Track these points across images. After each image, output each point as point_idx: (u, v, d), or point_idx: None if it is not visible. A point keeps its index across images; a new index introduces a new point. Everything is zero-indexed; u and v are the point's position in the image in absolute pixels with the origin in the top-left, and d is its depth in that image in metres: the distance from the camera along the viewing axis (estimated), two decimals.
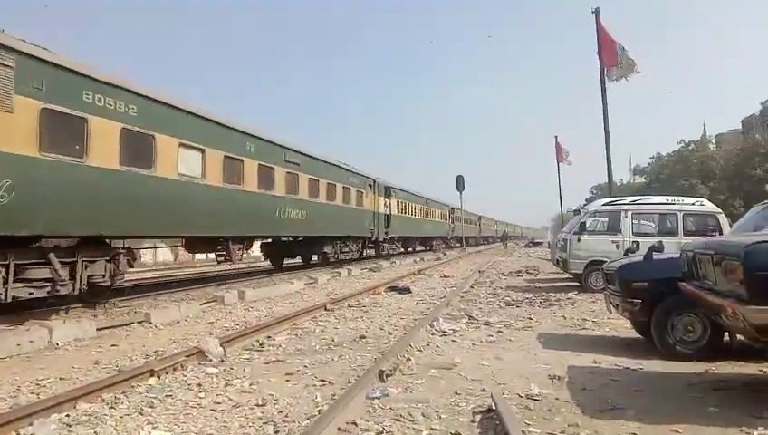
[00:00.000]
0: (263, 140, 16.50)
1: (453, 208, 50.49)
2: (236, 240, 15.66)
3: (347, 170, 24.46)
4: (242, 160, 15.14)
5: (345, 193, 23.67)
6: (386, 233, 29.84)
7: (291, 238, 21.48)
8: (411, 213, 36.74)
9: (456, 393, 4.92)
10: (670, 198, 13.89)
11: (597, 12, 18.65)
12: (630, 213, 13.11)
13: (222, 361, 6.32)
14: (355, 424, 4.09)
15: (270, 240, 21.74)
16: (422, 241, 44.25)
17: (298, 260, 24.35)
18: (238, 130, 15.18)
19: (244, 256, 17.66)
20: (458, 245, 51.73)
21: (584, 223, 13.72)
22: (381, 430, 3.98)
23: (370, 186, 27.76)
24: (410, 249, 41.17)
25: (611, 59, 18.27)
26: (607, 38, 18.37)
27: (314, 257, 23.59)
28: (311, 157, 20.19)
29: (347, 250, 25.18)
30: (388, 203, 30.49)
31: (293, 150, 18.58)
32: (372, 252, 30.56)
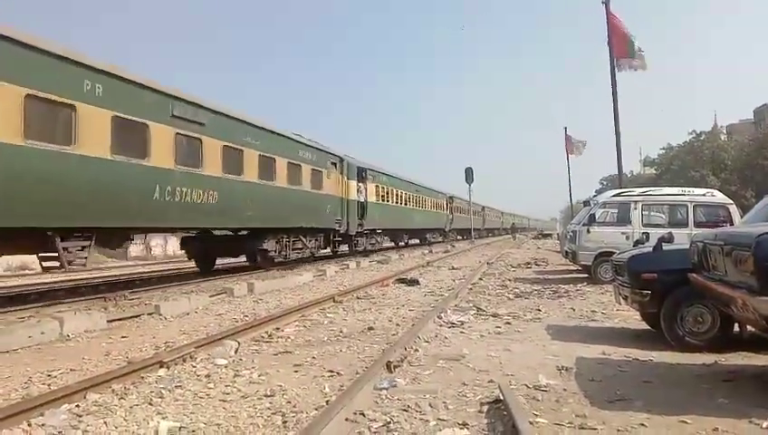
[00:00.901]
0: (120, 79, 10.92)
1: (451, 197, 47.94)
2: (73, 235, 10.43)
3: (295, 141, 18.92)
4: (73, 107, 9.81)
5: (293, 171, 18.27)
6: (360, 225, 24.70)
7: (227, 232, 17.06)
8: (396, 201, 31.67)
9: (464, 384, 4.91)
10: (680, 189, 13.82)
11: (607, 2, 18.51)
12: (640, 204, 13.03)
13: (236, 352, 6.36)
14: (363, 414, 4.10)
15: (192, 234, 17.40)
16: (413, 234, 39.65)
17: (241, 260, 19.61)
18: (61, 57, 9.62)
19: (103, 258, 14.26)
20: (460, 237, 51.20)
21: (594, 214, 13.66)
22: (389, 420, 3.98)
23: (335, 164, 22.30)
24: (401, 243, 37.42)
25: (622, 49, 18.15)
26: (617, 28, 18.24)
27: (259, 257, 17.99)
28: (226, 116, 14.74)
29: (300, 247, 19.78)
30: (362, 188, 25.31)
31: (190, 103, 13.18)
32: (346, 249, 25.71)
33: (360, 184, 25.19)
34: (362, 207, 24.98)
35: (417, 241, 41.78)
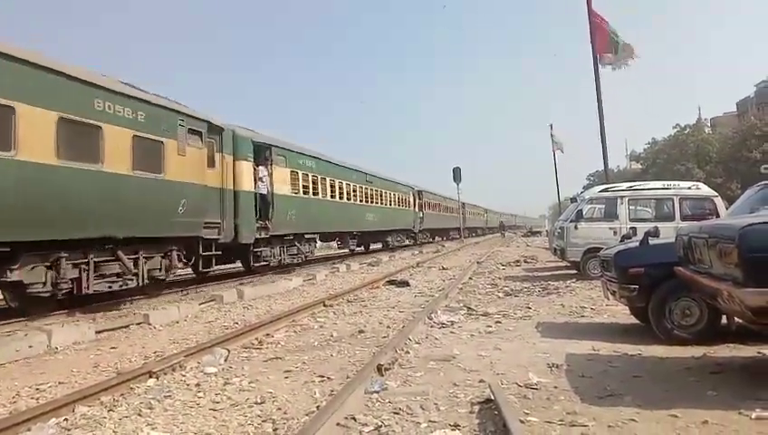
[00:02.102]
0: None
1: (420, 192, 40.78)
2: None
3: (81, 82, 10.02)
4: None
5: (80, 137, 9.93)
6: (262, 229, 16.74)
7: None
8: (330, 194, 23.26)
9: (455, 385, 4.92)
10: (666, 183, 13.92)
11: None
12: (627, 199, 13.12)
13: (225, 359, 6.32)
14: (354, 419, 4.09)
15: None
16: (366, 238, 30.55)
17: None
18: None
19: None
20: (431, 240, 46.23)
21: (581, 210, 13.72)
22: (380, 423, 3.97)
23: (193, 131, 13.09)
24: (351, 249, 29.43)
25: (604, 44, 18.24)
26: (599, 23, 18.33)
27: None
28: None
29: (114, 272, 11.03)
30: (265, 175, 17.27)
31: None
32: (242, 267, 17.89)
33: (262, 168, 17.57)
34: (265, 202, 17.45)
35: (380, 245, 34.40)
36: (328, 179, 23.35)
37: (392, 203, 33.78)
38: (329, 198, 23.40)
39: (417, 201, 40.08)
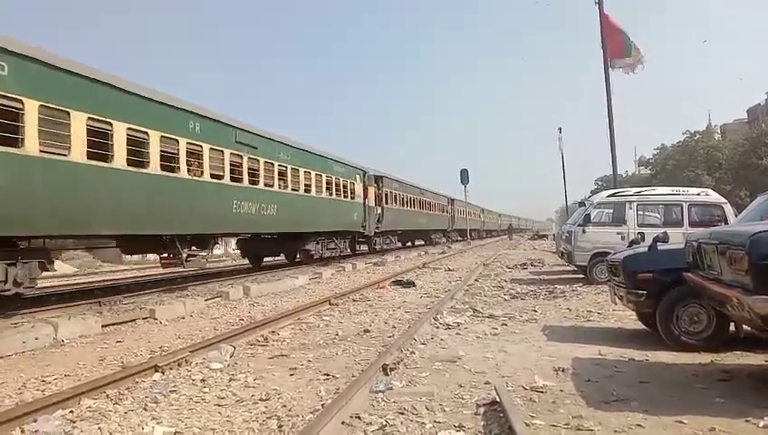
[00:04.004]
0: None
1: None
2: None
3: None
4: None
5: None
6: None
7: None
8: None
9: (460, 386, 4.90)
10: (675, 189, 13.81)
11: (600, 2, 18.54)
12: (635, 204, 13.04)
13: (231, 356, 6.33)
14: (359, 418, 4.08)
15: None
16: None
17: None
18: None
19: None
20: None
21: (589, 215, 13.65)
22: (385, 423, 3.97)
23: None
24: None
25: (615, 49, 18.18)
26: (611, 27, 18.27)
27: None
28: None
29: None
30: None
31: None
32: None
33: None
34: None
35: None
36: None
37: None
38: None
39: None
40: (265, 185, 16.96)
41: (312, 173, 20.71)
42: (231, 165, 15.03)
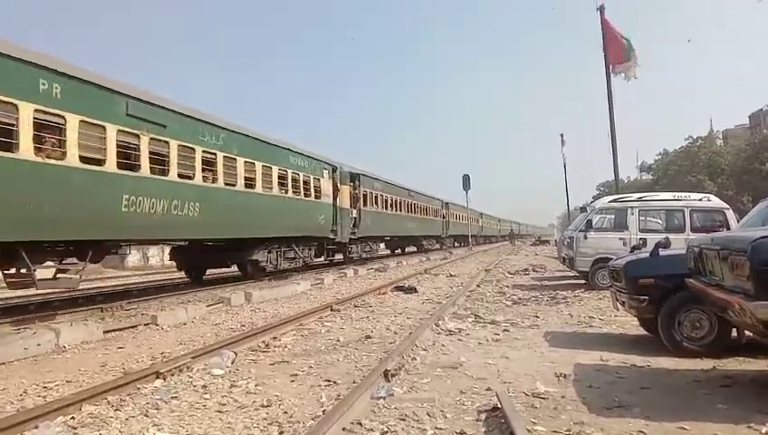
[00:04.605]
0: None
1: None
2: None
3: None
4: None
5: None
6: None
7: None
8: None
9: (462, 392, 4.89)
10: (677, 195, 13.79)
11: (602, 9, 18.59)
12: (637, 210, 13.03)
13: (232, 362, 6.33)
14: (360, 424, 4.08)
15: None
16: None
17: None
18: None
19: None
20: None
21: (591, 220, 13.63)
22: (386, 429, 3.96)
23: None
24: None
25: (617, 55, 18.21)
26: (613, 34, 18.30)
27: None
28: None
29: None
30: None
31: None
32: None
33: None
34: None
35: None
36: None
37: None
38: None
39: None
40: (181, 176, 13.10)
41: (258, 165, 16.57)
42: (120, 147, 11.26)
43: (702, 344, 6.11)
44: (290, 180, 18.69)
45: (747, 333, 5.69)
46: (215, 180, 14.45)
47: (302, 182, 19.70)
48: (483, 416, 4.23)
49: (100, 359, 6.87)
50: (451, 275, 18.77)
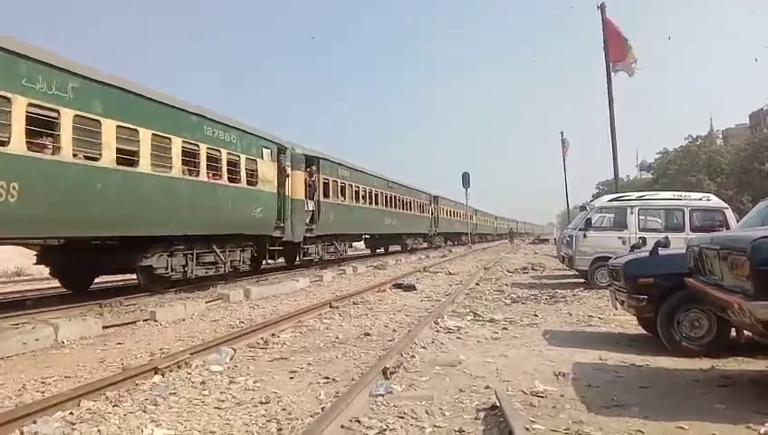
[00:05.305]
0: None
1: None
2: None
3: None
4: None
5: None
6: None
7: None
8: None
9: (461, 390, 4.89)
10: (677, 194, 13.80)
11: (602, 7, 18.59)
12: (637, 209, 13.03)
13: (231, 358, 6.32)
14: (358, 421, 4.07)
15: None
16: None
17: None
18: None
19: None
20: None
21: (590, 219, 13.63)
22: (385, 427, 3.96)
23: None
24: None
25: (617, 54, 18.21)
26: (614, 33, 18.30)
27: None
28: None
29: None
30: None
31: None
32: None
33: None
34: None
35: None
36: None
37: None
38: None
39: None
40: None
41: (145, 133, 11.51)
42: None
43: (701, 344, 6.11)
44: (203, 158, 13.48)
45: (746, 332, 5.69)
46: (56, 151, 9.50)
47: (224, 162, 14.40)
48: (481, 414, 4.23)
49: (98, 354, 6.87)
50: (450, 274, 18.78)
